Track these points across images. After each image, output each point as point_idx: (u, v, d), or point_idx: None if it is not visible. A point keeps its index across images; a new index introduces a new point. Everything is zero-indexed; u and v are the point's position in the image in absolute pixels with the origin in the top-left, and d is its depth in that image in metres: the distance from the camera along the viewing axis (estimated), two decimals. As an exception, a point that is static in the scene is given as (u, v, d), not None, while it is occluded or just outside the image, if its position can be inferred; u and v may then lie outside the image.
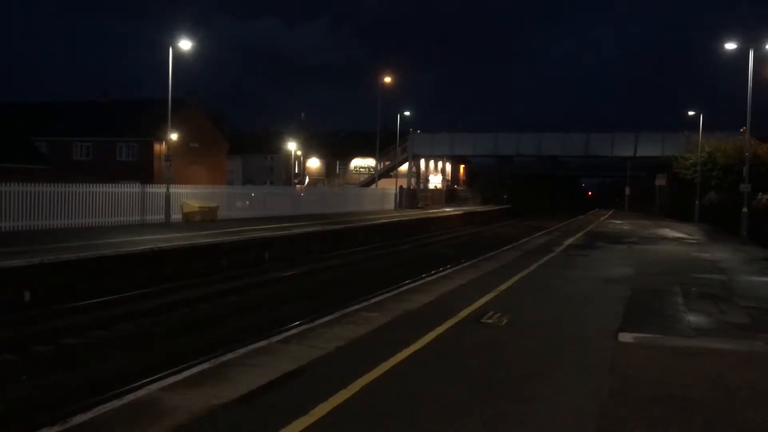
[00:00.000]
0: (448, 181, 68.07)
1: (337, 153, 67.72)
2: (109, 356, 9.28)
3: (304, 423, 4.81)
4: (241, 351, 6.93)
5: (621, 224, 33.84)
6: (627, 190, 58.39)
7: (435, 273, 15.05)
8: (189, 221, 23.40)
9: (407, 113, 51.36)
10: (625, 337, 7.82)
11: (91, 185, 20.82)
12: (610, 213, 52.65)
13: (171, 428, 4.70)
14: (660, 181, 45.53)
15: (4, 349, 9.14)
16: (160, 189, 23.44)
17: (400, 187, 47.96)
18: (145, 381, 7.06)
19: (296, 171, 62.98)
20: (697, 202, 36.82)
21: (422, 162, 57.27)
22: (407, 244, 26.23)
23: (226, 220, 25.12)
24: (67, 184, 20.03)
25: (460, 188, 70.00)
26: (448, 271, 14.80)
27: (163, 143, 40.53)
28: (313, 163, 69.17)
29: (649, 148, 45.53)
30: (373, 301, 10.24)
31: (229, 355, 6.77)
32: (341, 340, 7.42)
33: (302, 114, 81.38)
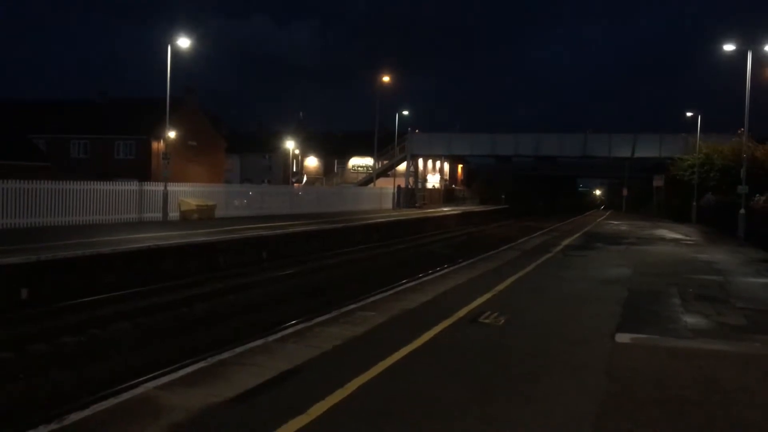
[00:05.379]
0: (446, 180, 68.08)
1: (335, 152, 67.60)
2: (105, 354, 9.27)
3: (301, 422, 4.81)
4: (238, 350, 6.93)
5: (618, 225, 33.87)
6: (625, 191, 58.50)
7: (432, 272, 15.05)
8: (186, 219, 23.39)
9: (405, 113, 51.38)
10: (622, 337, 7.83)
11: (89, 183, 20.80)
12: (608, 214, 52.72)
13: (167, 427, 4.70)
14: (658, 182, 45.61)
15: (1, 347, 9.13)
16: (157, 187, 23.43)
17: (398, 186, 47.94)
18: (141, 379, 7.06)
19: (294, 170, 62.89)
20: (694, 203, 36.89)
21: (420, 161, 57.22)
22: (405, 244, 26.22)
23: (224, 218, 25.11)
24: (65, 182, 20.03)
25: (458, 188, 70.02)
26: (446, 270, 14.79)
27: (161, 141, 40.48)
28: (311, 162, 69.08)
29: (647, 149, 45.59)
30: (370, 300, 10.24)
31: (226, 354, 6.76)
32: (338, 339, 7.43)
33: (300, 113, 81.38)
